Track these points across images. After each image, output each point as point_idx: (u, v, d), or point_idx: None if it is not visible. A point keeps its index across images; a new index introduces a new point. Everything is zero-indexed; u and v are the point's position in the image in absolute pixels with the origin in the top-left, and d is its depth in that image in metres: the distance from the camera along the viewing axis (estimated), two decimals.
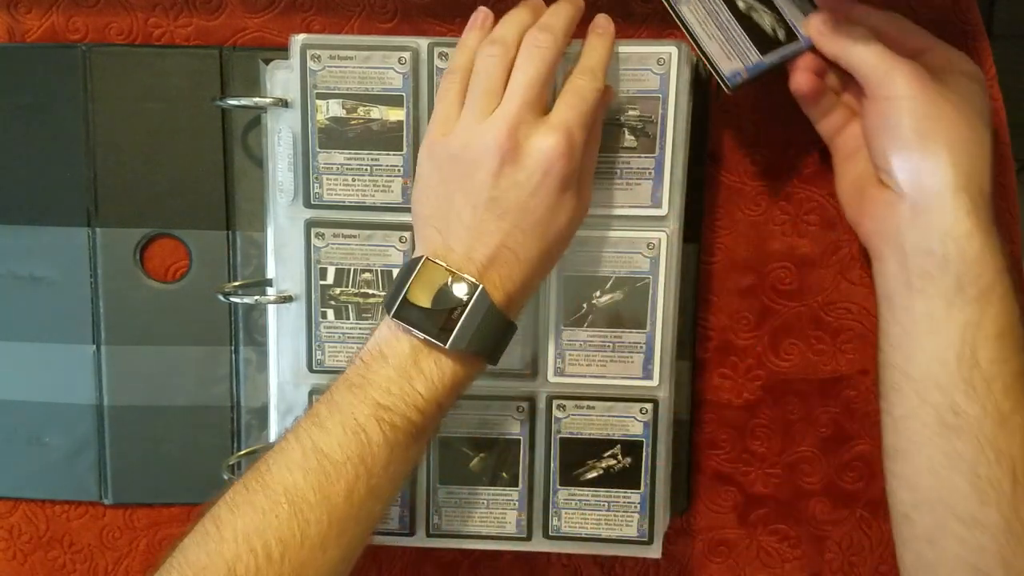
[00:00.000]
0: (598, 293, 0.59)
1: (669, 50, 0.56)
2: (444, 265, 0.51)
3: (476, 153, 0.51)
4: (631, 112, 0.57)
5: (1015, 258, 0.52)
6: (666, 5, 0.56)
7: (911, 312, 0.51)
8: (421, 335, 0.51)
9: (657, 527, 0.61)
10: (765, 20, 0.55)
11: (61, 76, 0.62)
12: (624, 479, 0.61)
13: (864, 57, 0.52)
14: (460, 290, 0.51)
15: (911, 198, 0.52)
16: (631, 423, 0.60)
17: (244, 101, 0.60)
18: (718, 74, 0.56)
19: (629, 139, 0.57)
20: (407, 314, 0.51)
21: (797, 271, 0.64)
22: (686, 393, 0.64)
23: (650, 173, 0.57)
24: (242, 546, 0.47)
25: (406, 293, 0.51)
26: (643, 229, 0.58)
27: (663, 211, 0.58)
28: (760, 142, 0.63)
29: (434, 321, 0.51)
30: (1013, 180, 0.63)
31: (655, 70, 0.56)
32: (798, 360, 0.65)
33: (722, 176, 0.63)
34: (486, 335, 0.51)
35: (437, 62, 0.57)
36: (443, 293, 0.51)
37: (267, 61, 0.60)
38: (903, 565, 0.53)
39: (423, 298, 0.51)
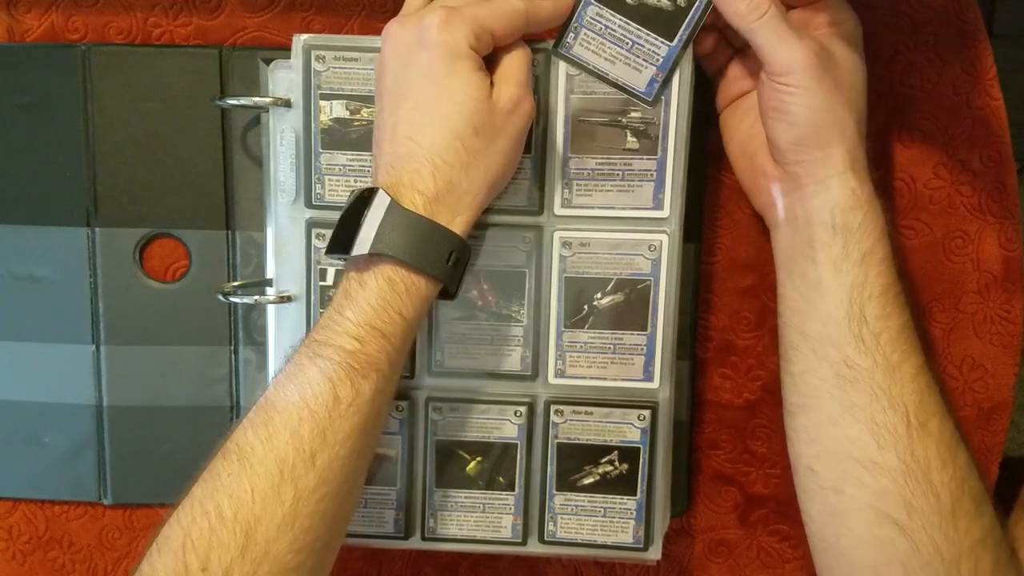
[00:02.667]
0: (599, 295, 0.59)
1: None
2: (359, 184, 0.52)
3: (381, 56, 0.53)
4: (633, 114, 0.57)
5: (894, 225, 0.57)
6: (562, 60, 0.56)
7: (805, 277, 0.54)
8: (336, 255, 0.51)
9: (657, 528, 0.61)
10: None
11: (61, 76, 0.62)
12: (620, 485, 0.61)
13: (764, 34, 0.52)
14: (363, 198, 0.50)
15: (805, 181, 0.54)
16: (628, 429, 0.60)
17: (244, 101, 0.60)
18: (633, 94, 0.56)
19: (631, 141, 0.57)
20: (328, 247, 0.52)
21: None
22: (686, 393, 0.64)
23: (652, 175, 0.57)
24: (196, 510, 0.47)
25: (334, 228, 0.52)
26: (644, 231, 0.58)
27: (664, 213, 0.58)
28: None
29: (343, 238, 0.50)
30: (1013, 180, 0.63)
31: None
32: None
33: (722, 176, 0.63)
34: (395, 236, 0.49)
35: None
36: (350, 210, 0.51)
37: (267, 61, 0.60)
38: (810, 517, 0.56)
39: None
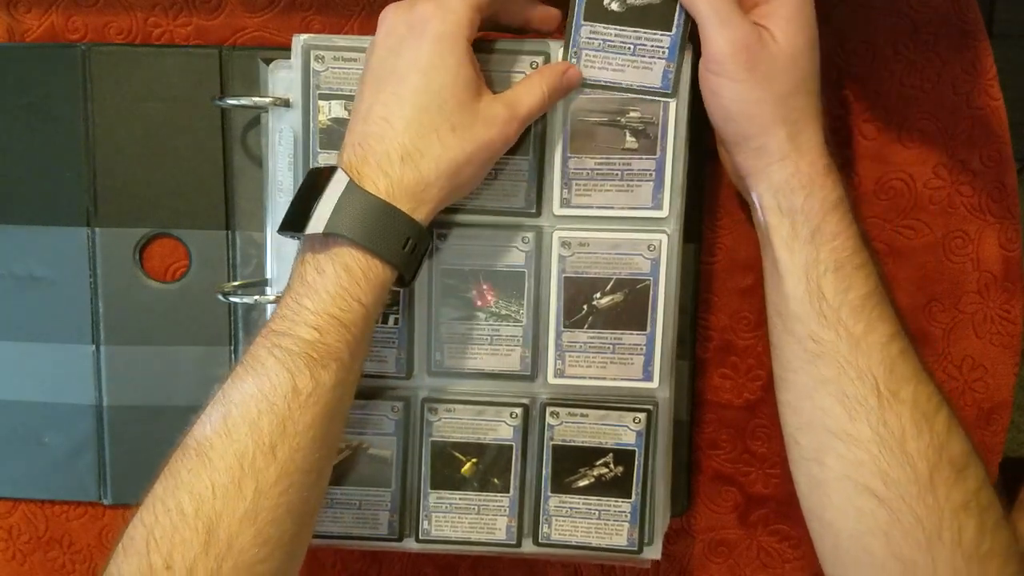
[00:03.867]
0: (598, 295, 0.59)
1: None
2: (320, 164, 0.51)
3: (378, 36, 0.52)
4: (632, 114, 0.57)
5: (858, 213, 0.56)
6: (588, 88, 0.57)
7: (768, 258, 0.55)
8: (289, 233, 0.50)
9: (657, 528, 0.61)
10: None
11: (61, 76, 0.62)
12: (615, 488, 0.61)
13: (701, 11, 0.52)
14: (322, 178, 0.50)
15: (750, 170, 0.55)
16: (624, 432, 0.60)
17: (244, 101, 0.60)
18: (653, 93, 0.56)
19: (630, 140, 0.57)
20: (281, 225, 0.51)
21: None
22: (686, 393, 0.64)
23: (651, 175, 0.57)
24: (158, 508, 0.46)
25: (290, 206, 0.51)
26: (644, 231, 0.58)
27: (664, 213, 0.57)
28: None
29: (298, 216, 0.50)
30: (1013, 180, 0.63)
31: None
32: None
33: (722, 176, 0.63)
34: (350, 218, 0.49)
35: None
36: (306, 188, 0.50)
37: (267, 61, 0.60)
38: (798, 486, 0.56)
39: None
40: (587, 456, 0.61)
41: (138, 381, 0.65)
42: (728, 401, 0.66)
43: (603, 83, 0.56)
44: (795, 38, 0.52)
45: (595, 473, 0.61)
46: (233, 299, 0.62)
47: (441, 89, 0.50)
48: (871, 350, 0.52)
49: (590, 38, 0.56)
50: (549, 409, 0.60)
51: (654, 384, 0.59)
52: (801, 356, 0.54)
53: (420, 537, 0.62)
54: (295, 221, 0.50)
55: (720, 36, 0.52)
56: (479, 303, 0.59)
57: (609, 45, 0.56)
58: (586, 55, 0.56)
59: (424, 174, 0.50)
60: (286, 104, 0.59)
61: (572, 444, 0.60)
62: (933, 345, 0.65)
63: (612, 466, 0.60)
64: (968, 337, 0.65)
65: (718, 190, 0.64)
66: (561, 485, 0.61)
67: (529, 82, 0.55)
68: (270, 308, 0.62)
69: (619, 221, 0.58)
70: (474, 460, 0.61)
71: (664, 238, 0.58)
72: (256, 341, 0.50)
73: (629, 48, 0.56)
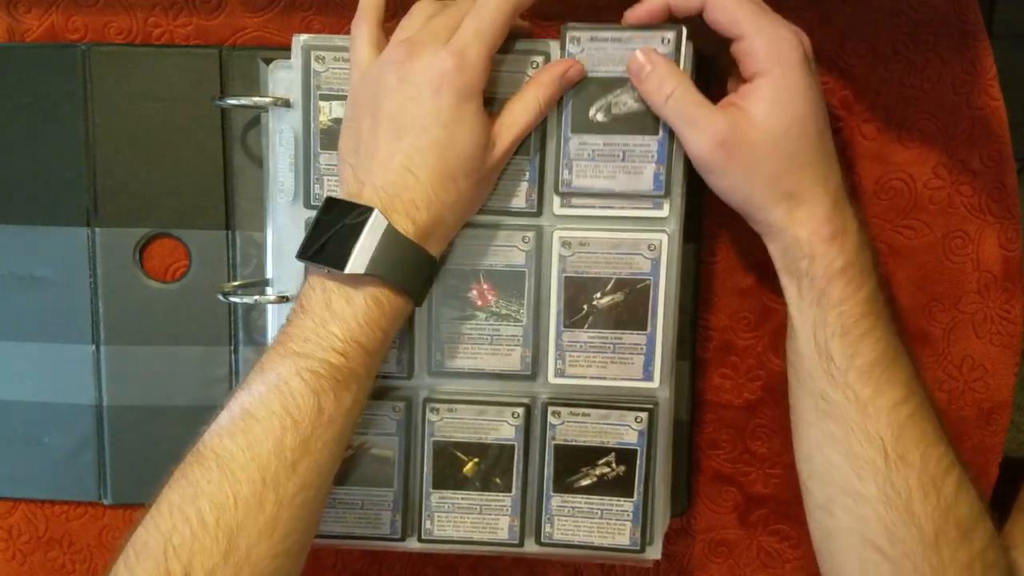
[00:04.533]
0: (599, 294, 0.59)
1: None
2: (345, 198, 0.52)
3: (378, 73, 0.53)
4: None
5: (875, 260, 0.56)
6: (565, 200, 0.58)
7: (785, 310, 0.56)
8: (324, 268, 0.51)
9: (657, 528, 0.61)
10: (627, 101, 0.56)
11: (61, 76, 0.62)
12: (617, 487, 0.61)
13: (671, 119, 0.54)
14: (356, 216, 0.51)
15: (757, 229, 0.56)
16: (626, 431, 0.60)
17: (244, 101, 0.60)
18: (647, 197, 0.57)
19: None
20: (312, 255, 0.52)
21: None
22: (686, 393, 0.64)
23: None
24: (176, 517, 0.47)
25: (310, 233, 0.52)
26: (644, 230, 0.58)
27: (664, 212, 0.58)
28: None
29: (334, 252, 0.51)
30: (1013, 180, 0.63)
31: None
32: None
33: None
34: (389, 259, 0.51)
35: None
36: (343, 225, 0.51)
37: (267, 61, 0.60)
38: (811, 532, 0.57)
39: (324, 236, 0.52)
40: (589, 455, 0.61)
41: (138, 381, 0.65)
42: (728, 401, 0.66)
43: (596, 191, 0.57)
44: (778, 119, 0.52)
45: (597, 472, 0.61)
46: (233, 299, 0.62)
47: (461, 142, 0.52)
48: (879, 414, 0.52)
49: (580, 149, 0.57)
50: (551, 408, 0.60)
51: (654, 384, 0.59)
52: (812, 411, 0.54)
53: (423, 537, 0.62)
54: (332, 259, 0.51)
55: (693, 139, 0.53)
56: (479, 303, 0.59)
57: (599, 154, 0.57)
58: (576, 166, 0.57)
59: (444, 217, 0.53)
60: (286, 104, 0.59)
61: (574, 444, 0.60)
62: (933, 345, 0.65)
63: (614, 465, 0.60)
64: (968, 337, 0.65)
65: None
66: (563, 484, 0.61)
67: (524, 97, 0.55)
68: (270, 308, 0.62)
69: (619, 221, 0.58)
70: (476, 460, 0.61)
71: (664, 238, 0.58)
72: (276, 359, 0.51)
73: (618, 155, 0.57)
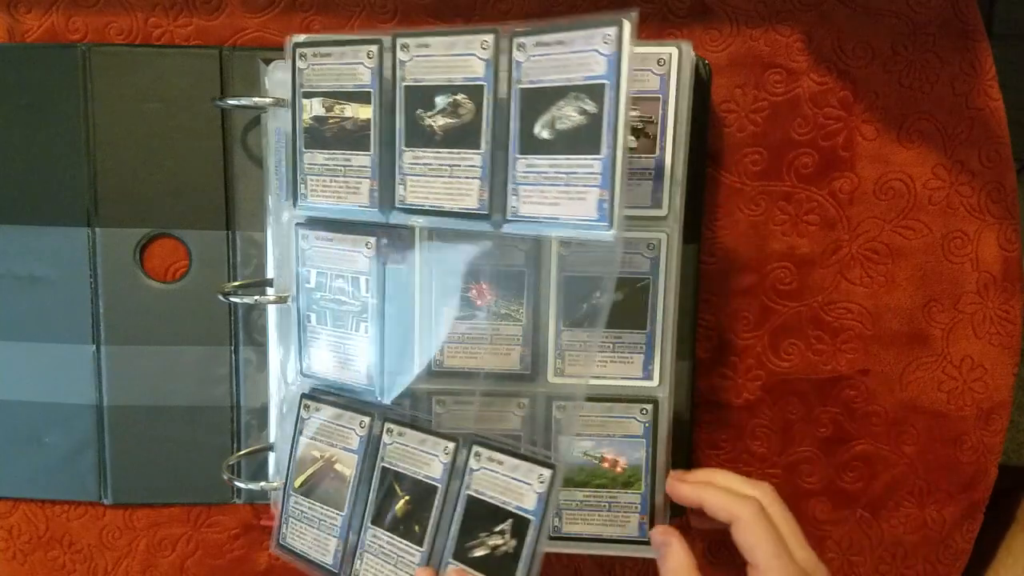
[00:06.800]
0: (598, 293, 0.59)
1: (669, 51, 0.56)
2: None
3: None
4: (632, 112, 0.57)
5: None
6: (511, 227, 0.53)
7: None
8: None
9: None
10: (571, 114, 0.51)
11: (61, 76, 0.62)
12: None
13: None
14: None
15: None
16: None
17: (244, 101, 0.60)
18: (591, 228, 0.51)
19: (629, 139, 0.57)
20: None
21: (797, 271, 0.64)
22: (686, 393, 0.64)
23: (650, 173, 0.57)
24: None
25: None
26: (643, 229, 0.58)
27: (663, 211, 0.58)
28: (760, 142, 0.63)
29: None
30: (1013, 180, 0.64)
31: (655, 71, 0.56)
32: (798, 360, 0.65)
33: (722, 176, 0.63)
34: None
35: (399, 54, 0.55)
36: None
37: (267, 61, 0.60)
38: None
39: None
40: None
41: (138, 381, 0.65)
42: (728, 401, 0.66)
43: (541, 219, 0.52)
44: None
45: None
46: (233, 299, 0.62)
47: None
48: None
49: (525, 172, 0.52)
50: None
51: (654, 382, 0.59)
52: None
53: None
54: None
55: None
56: (479, 302, 0.59)
57: (544, 176, 0.52)
58: (522, 191, 0.52)
59: None
60: (285, 105, 0.59)
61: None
62: (933, 345, 0.65)
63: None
64: (967, 337, 0.65)
65: (718, 190, 0.64)
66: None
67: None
68: (270, 308, 0.62)
69: None
70: (407, 498, 0.58)
71: (664, 237, 0.58)
72: None
73: (561, 179, 0.51)
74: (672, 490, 0.59)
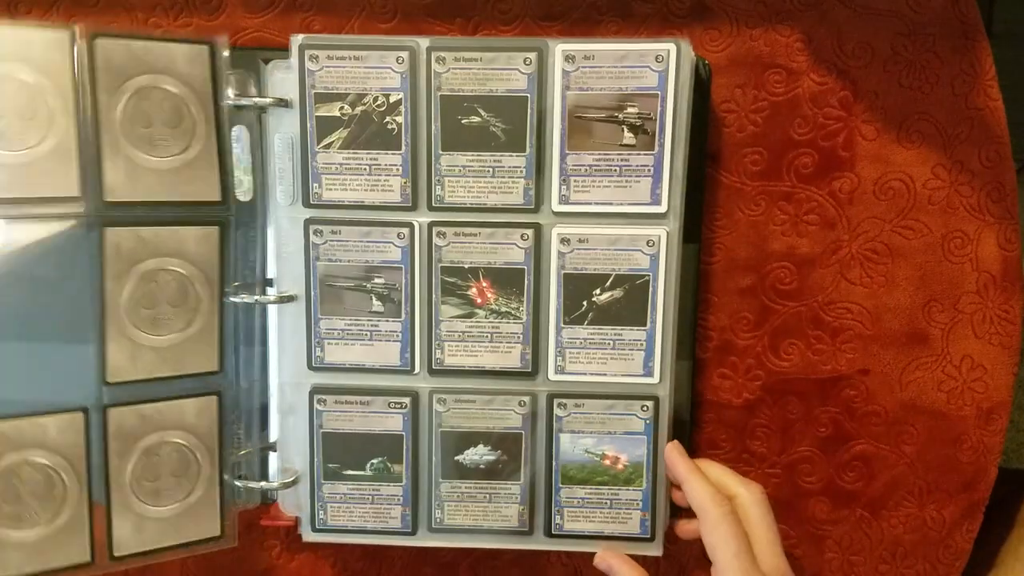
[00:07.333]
0: (598, 291, 0.59)
1: (668, 47, 0.56)
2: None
3: None
4: (630, 109, 0.57)
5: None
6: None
7: None
8: None
9: (658, 526, 0.61)
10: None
11: None
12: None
13: None
14: None
15: None
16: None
17: (244, 101, 0.60)
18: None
19: (628, 136, 0.57)
20: None
21: (797, 271, 0.64)
22: (686, 393, 0.64)
23: (649, 170, 0.57)
24: None
25: None
26: (643, 226, 0.58)
27: (663, 208, 0.58)
28: (760, 142, 0.63)
29: None
30: (1013, 180, 0.64)
31: (654, 67, 0.56)
32: (798, 360, 0.65)
33: (722, 176, 0.63)
34: None
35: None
36: None
37: (267, 61, 0.60)
38: None
39: None
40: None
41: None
42: (728, 401, 0.66)
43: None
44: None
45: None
46: (233, 299, 0.62)
47: None
48: None
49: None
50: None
51: (654, 380, 0.59)
52: None
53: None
54: None
55: None
56: (479, 300, 0.59)
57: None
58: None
59: None
60: (286, 104, 0.59)
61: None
62: (933, 345, 0.65)
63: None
64: (967, 337, 0.65)
65: (718, 190, 0.64)
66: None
67: None
68: (271, 308, 0.62)
69: (618, 217, 0.58)
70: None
71: (663, 233, 0.58)
72: None
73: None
74: (669, 456, 0.60)
